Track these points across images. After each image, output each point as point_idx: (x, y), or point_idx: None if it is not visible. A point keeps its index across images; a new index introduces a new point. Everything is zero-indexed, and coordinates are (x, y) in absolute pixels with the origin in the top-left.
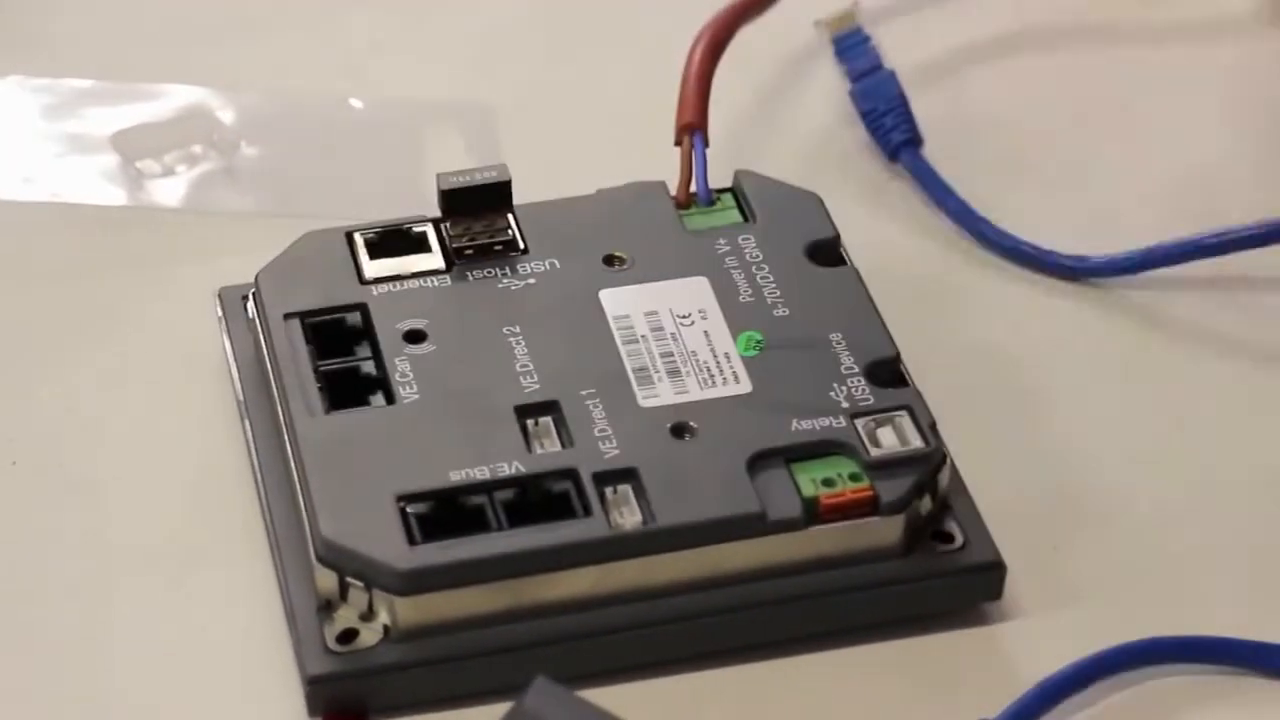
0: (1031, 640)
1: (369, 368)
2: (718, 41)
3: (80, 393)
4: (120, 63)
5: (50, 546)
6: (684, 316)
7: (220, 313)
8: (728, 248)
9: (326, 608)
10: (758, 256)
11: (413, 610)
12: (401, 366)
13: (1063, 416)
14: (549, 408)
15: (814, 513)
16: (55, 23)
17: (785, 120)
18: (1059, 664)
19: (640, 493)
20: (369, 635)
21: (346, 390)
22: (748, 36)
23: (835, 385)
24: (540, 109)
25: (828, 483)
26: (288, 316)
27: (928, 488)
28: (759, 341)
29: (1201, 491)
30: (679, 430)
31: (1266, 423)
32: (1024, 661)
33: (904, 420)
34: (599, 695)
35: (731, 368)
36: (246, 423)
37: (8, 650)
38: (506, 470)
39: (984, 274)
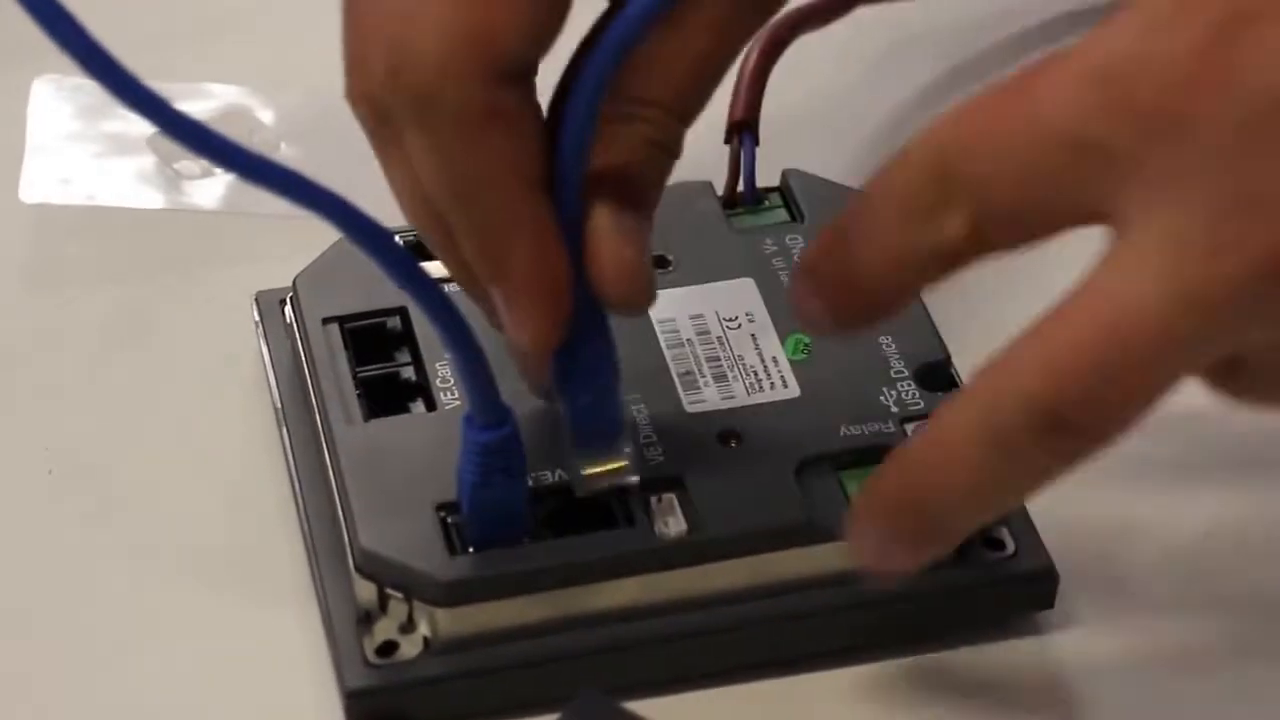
0: (1084, 650)
1: (409, 374)
2: (777, 42)
3: (116, 399)
4: (158, 62)
5: (85, 555)
6: (731, 319)
7: (257, 317)
8: (775, 248)
9: (366, 619)
10: None
11: (453, 622)
12: (442, 372)
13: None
14: None
15: None
16: (91, 21)
17: (835, 119)
18: (1112, 674)
19: (685, 501)
20: (409, 647)
21: (386, 397)
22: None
23: (885, 389)
24: None
25: None
26: (326, 321)
27: None
28: (807, 345)
29: (1263, 497)
30: (725, 436)
31: None
32: (1076, 672)
33: None
34: (644, 707)
35: (779, 372)
36: (284, 430)
37: (44, 660)
38: (549, 479)
39: (1038, 275)
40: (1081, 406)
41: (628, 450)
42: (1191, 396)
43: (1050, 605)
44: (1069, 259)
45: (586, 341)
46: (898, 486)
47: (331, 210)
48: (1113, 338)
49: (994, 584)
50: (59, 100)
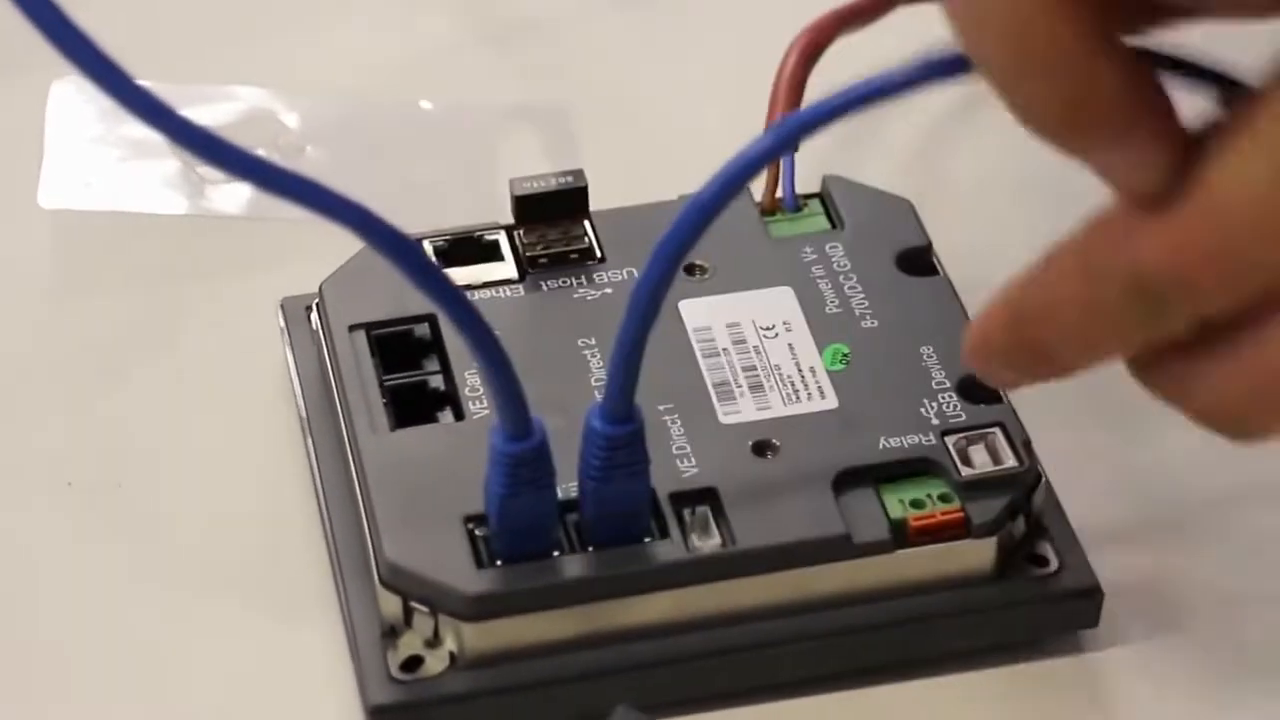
0: (1130, 670)
1: (437, 382)
2: (816, 45)
3: (137, 409)
4: (181, 64)
5: (106, 570)
6: (768, 328)
7: (283, 324)
8: (814, 256)
9: (390, 634)
10: (845, 265)
11: (480, 637)
12: (471, 381)
13: (1166, 431)
14: None
15: (902, 535)
16: (113, 22)
17: (877, 123)
18: (1159, 695)
19: (720, 514)
20: (434, 663)
21: (413, 406)
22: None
23: (925, 401)
24: (619, 110)
25: (916, 504)
26: (352, 328)
27: (1021, 509)
28: (846, 355)
29: None
30: (761, 448)
31: None
32: (1121, 692)
33: (997, 438)
34: None
35: (817, 382)
36: (309, 439)
37: (65, 675)
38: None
39: None
40: (1194, 282)
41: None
42: None
43: (1095, 623)
44: None
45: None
46: (1006, 333)
47: (353, 219)
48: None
49: (1037, 601)
50: (79, 103)
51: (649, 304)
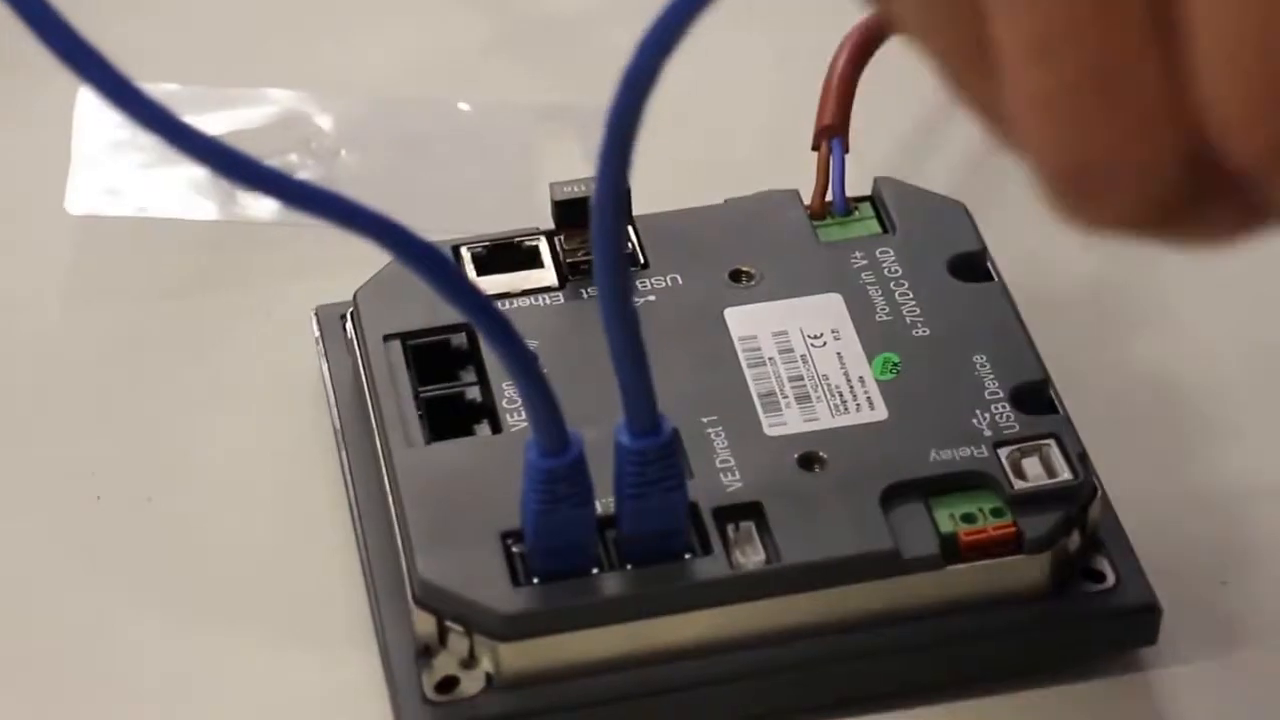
0: (1189, 689)
1: (474, 394)
2: (867, 44)
3: (168, 421)
4: (211, 66)
5: (135, 586)
6: (815, 337)
7: (317, 333)
8: (864, 261)
9: (425, 654)
10: (897, 271)
11: (517, 656)
12: (509, 392)
13: (1229, 444)
14: None
15: (953, 551)
16: (140, 24)
17: (931, 124)
18: (1218, 714)
19: (764, 529)
20: (470, 684)
21: (449, 418)
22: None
23: (978, 412)
24: (664, 111)
25: (968, 518)
26: (388, 338)
27: (1076, 523)
28: (896, 364)
29: None
30: (807, 461)
31: None
32: (1180, 712)
33: (1051, 450)
34: None
35: (866, 393)
36: (343, 452)
37: (90, 699)
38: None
39: (1140, 295)
40: None
41: None
42: None
43: (1153, 641)
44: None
45: None
46: None
47: (376, 229)
48: None
49: (1093, 618)
50: (106, 109)
51: (613, 275)
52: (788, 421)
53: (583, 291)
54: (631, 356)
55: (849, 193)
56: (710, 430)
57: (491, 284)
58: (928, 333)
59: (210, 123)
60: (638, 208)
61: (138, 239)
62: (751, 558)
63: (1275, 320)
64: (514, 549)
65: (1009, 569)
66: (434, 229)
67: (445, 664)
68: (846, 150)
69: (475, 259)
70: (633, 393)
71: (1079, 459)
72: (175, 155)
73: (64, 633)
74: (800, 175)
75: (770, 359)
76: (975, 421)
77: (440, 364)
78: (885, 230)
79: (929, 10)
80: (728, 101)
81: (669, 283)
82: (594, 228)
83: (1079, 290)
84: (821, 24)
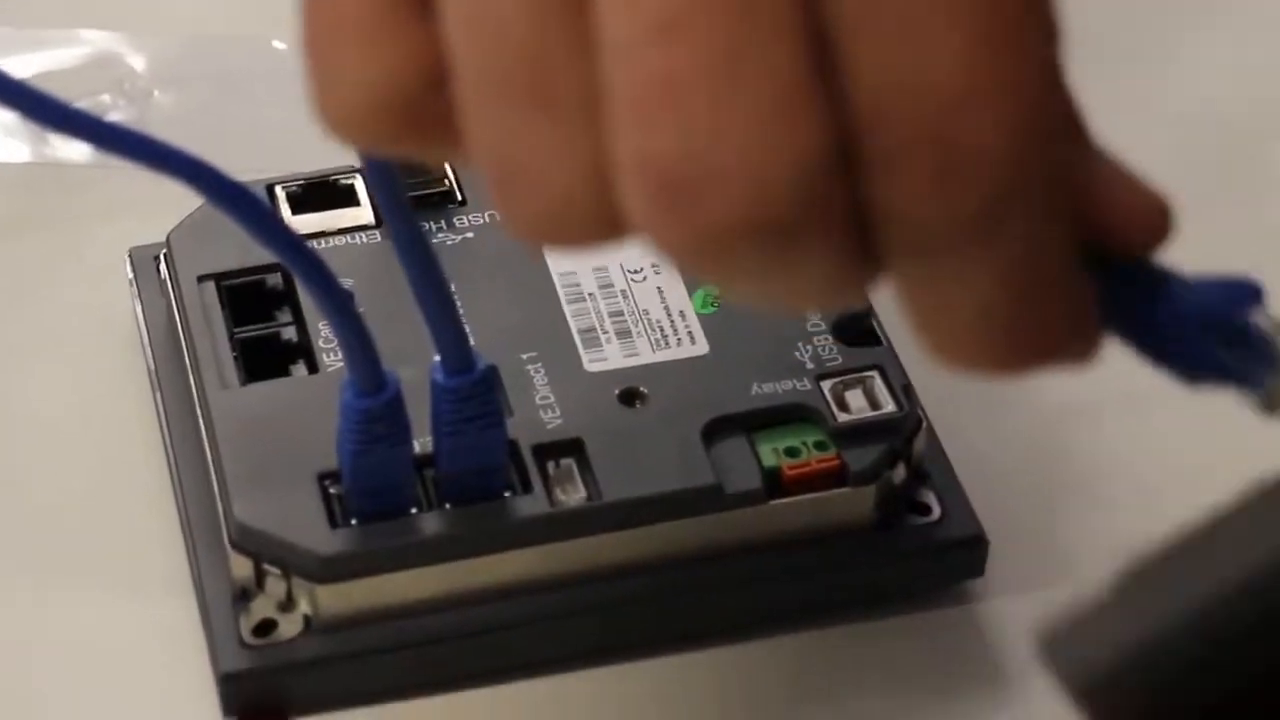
0: (1016, 620)
1: (290, 334)
2: None
3: None
4: (21, 6)
5: None
6: (635, 271)
7: (131, 275)
8: None
9: (242, 597)
10: None
11: (335, 599)
12: (325, 332)
13: (1051, 377)
14: None
15: (776, 485)
16: None
17: None
18: None
19: (585, 466)
20: (288, 627)
21: (265, 359)
22: None
23: (800, 344)
24: None
25: (791, 452)
26: (201, 279)
27: (901, 455)
28: (717, 298)
29: (1204, 457)
30: (628, 397)
31: None
32: (1008, 643)
33: (875, 382)
34: (543, 686)
35: (687, 327)
36: (159, 395)
37: None
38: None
39: None
40: None
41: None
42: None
43: (980, 572)
44: None
45: None
46: None
47: (184, 169)
48: None
49: (920, 551)
50: None
51: (401, 219)
52: (608, 357)
53: None
54: (435, 295)
55: None
56: (530, 367)
57: (306, 223)
58: None
59: (21, 64)
60: None
61: None
62: (572, 495)
63: None
64: (331, 490)
65: (834, 502)
66: (250, 169)
67: (263, 607)
68: None
69: (290, 198)
70: (441, 330)
71: (903, 390)
72: None
73: None
74: None
75: (590, 294)
76: (798, 354)
77: (255, 304)
78: None
79: None
80: None
81: (487, 219)
82: (368, 175)
83: None
84: None
